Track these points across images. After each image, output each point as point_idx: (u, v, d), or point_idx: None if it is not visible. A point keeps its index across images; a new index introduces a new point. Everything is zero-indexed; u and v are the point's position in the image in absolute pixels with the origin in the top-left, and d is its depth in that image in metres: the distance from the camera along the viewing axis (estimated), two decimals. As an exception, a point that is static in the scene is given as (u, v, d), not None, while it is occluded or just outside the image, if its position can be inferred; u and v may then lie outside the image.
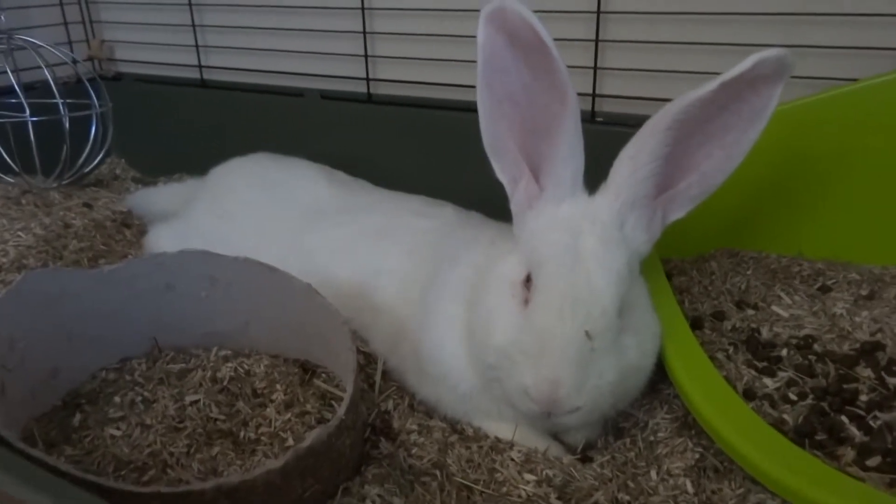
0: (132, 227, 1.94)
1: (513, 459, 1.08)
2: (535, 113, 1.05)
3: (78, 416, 1.13)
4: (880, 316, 1.26)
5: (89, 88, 2.13)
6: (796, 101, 1.41)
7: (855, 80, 1.41)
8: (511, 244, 1.13)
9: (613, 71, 1.72)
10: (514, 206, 1.12)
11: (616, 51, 1.70)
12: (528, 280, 1.03)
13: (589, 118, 1.72)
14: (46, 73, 1.99)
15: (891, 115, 1.38)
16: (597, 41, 1.66)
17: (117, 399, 1.17)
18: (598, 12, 1.64)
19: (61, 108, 2.00)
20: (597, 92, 1.72)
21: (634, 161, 1.05)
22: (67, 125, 2.02)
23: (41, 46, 2.05)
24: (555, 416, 0.98)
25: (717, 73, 1.00)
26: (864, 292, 1.34)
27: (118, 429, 1.09)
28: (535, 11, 0.98)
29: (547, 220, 1.06)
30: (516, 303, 1.03)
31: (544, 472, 1.04)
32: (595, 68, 1.69)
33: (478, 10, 1.00)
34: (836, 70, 1.46)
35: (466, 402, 1.16)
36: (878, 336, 1.22)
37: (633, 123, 1.62)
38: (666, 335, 1.11)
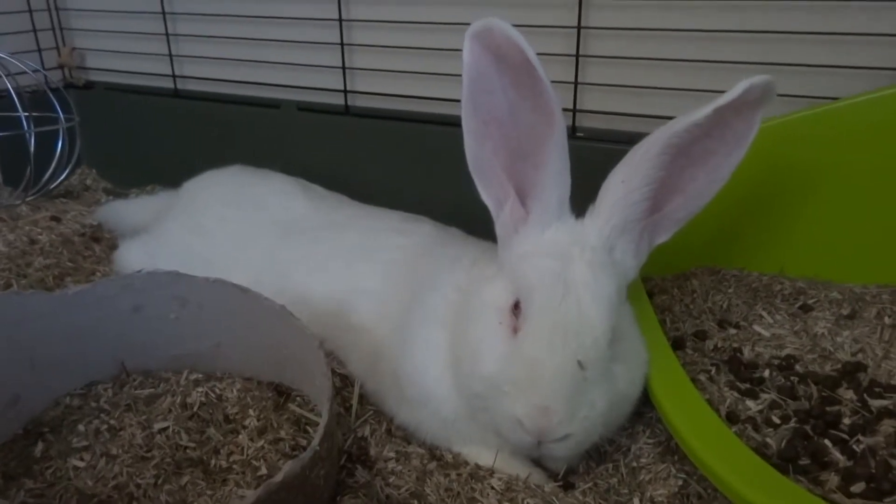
0: (102, 242, 1.88)
1: (493, 488, 1.05)
2: (521, 135, 1.03)
3: (40, 446, 1.08)
4: (861, 336, 1.26)
5: (55, 103, 2.07)
6: (776, 118, 1.41)
7: (835, 98, 1.41)
8: (495, 266, 1.10)
9: (594, 86, 1.71)
10: (499, 229, 1.09)
11: (597, 66, 1.69)
12: (515, 307, 1.01)
13: (570, 133, 1.70)
14: (9, 86, 1.92)
15: (871, 134, 1.38)
16: (577, 56, 1.65)
17: (81, 427, 1.12)
18: (579, 28, 1.63)
19: (25, 123, 1.93)
20: (577, 107, 1.71)
21: (627, 185, 1.03)
22: (32, 143, 1.95)
23: (2, 57, 1.98)
24: (545, 443, 0.95)
25: (697, 90, 0.99)
26: (845, 312, 1.33)
27: (82, 459, 1.05)
28: (516, 27, 0.96)
29: (534, 245, 1.04)
30: (504, 331, 1.00)
31: (525, 502, 1.02)
32: (576, 83, 1.68)
33: (456, 24, 0.99)
34: (815, 88, 1.46)
35: (448, 428, 1.13)
36: (860, 356, 1.22)
37: (614, 139, 1.63)
38: (649, 359, 1.09)
